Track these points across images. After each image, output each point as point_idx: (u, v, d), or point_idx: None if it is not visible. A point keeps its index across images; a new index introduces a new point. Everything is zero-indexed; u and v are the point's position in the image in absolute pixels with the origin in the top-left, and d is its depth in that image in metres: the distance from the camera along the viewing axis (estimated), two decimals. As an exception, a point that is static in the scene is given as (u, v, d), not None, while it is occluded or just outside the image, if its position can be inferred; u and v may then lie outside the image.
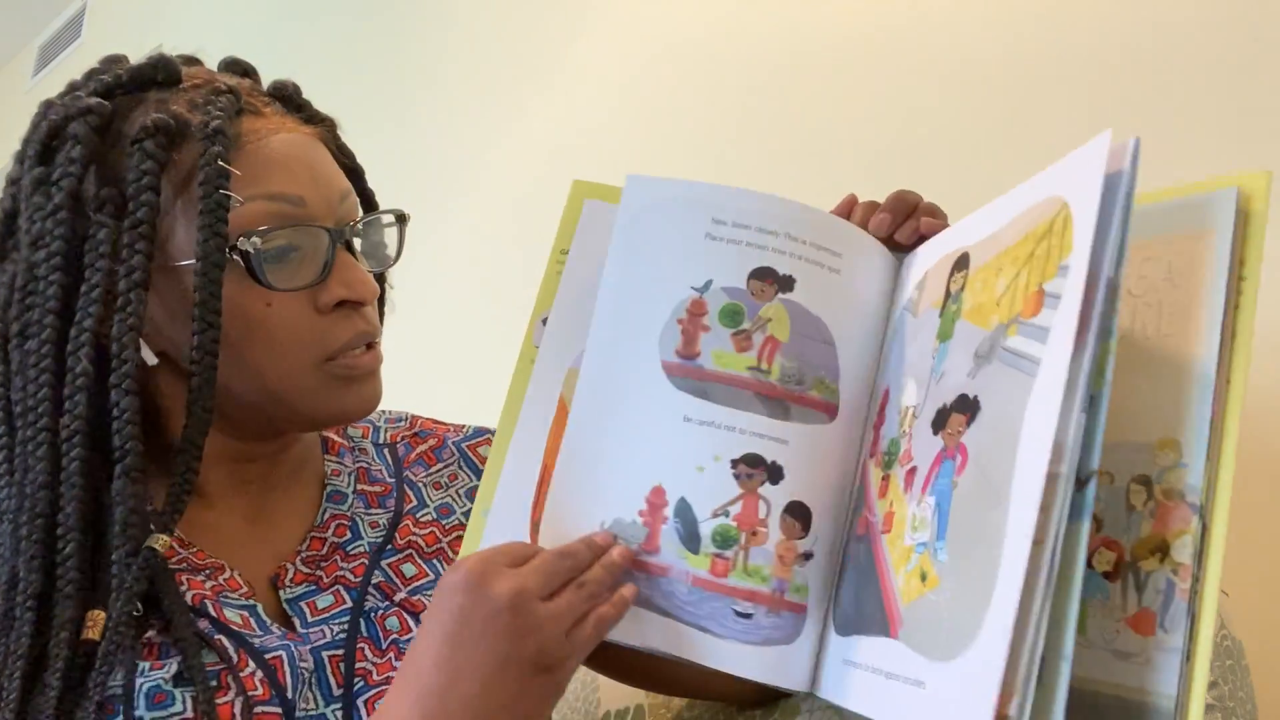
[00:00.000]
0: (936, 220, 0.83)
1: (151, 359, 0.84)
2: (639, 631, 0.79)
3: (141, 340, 0.82)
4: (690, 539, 0.79)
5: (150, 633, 0.80)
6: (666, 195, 0.84)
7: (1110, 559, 0.65)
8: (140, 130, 0.82)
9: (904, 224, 0.84)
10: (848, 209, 0.87)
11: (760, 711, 0.98)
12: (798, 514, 0.78)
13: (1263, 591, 0.96)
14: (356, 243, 0.90)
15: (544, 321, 0.86)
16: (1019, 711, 0.57)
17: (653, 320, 0.82)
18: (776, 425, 0.79)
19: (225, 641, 0.81)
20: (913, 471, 0.72)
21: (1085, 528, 0.59)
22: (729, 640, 0.77)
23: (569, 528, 0.80)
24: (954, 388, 0.69)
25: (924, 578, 0.68)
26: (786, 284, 0.81)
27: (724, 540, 0.78)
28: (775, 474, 0.79)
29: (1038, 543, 0.59)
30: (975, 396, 0.67)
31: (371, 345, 0.89)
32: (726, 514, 0.79)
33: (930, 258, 0.79)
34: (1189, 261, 0.63)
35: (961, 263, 0.73)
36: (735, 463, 0.79)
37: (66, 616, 0.77)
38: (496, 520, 0.83)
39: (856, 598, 0.76)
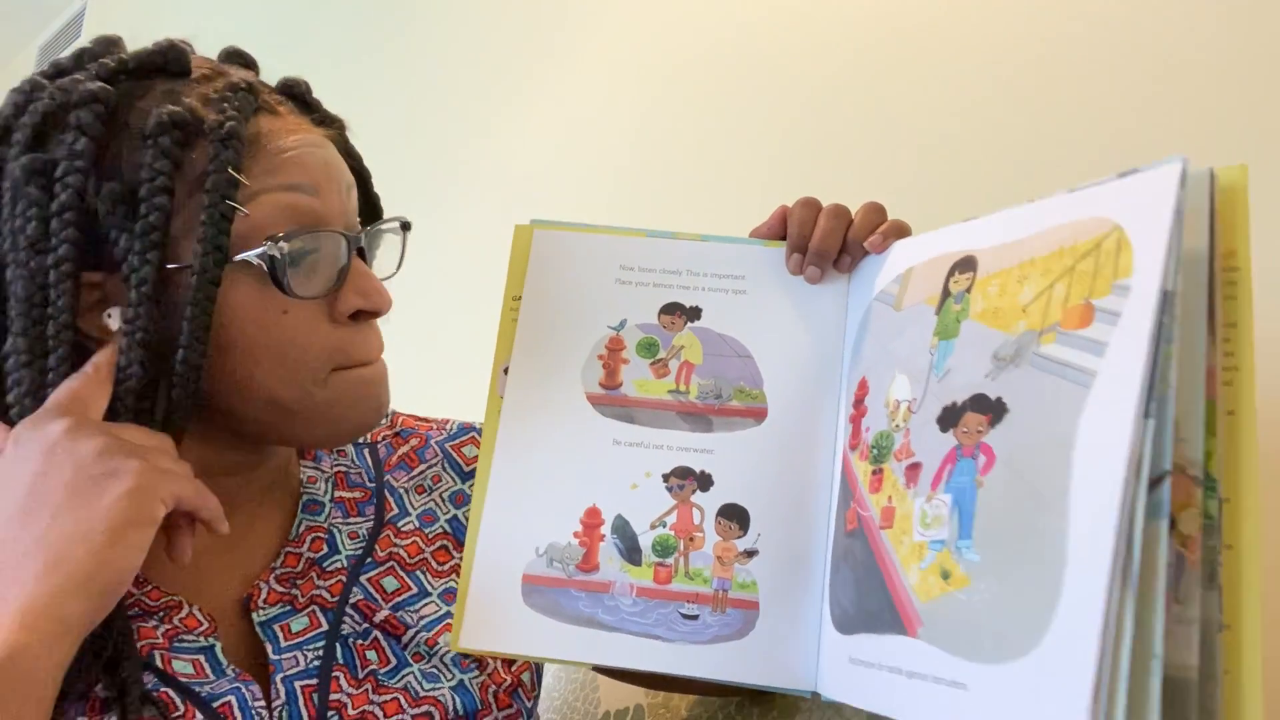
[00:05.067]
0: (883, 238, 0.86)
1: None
2: (592, 650, 0.82)
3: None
4: (631, 552, 0.84)
5: (97, 686, 0.73)
6: (575, 247, 0.92)
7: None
8: (155, 125, 0.76)
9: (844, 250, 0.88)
10: (780, 219, 0.91)
11: (758, 710, 0.98)
12: (733, 515, 0.84)
13: (1262, 591, 1.00)
14: (369, 249, 0.87)
15: (505, 371, 0.89)
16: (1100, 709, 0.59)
17: (573, 357, 0.89)
18: (700, 438, 0.86)
19: (171, 694, 0.74)
20: (915, 468, 0.74)
21: (1165, 526, 0.61)
22: (679, 643, 0.81)
23: (502, 557, 0.85)
24: (966, 386, 0.72)
25: (946, 576, 0.70)
26: (694, 314, 0.90)
27: (664, 549, 0.83)
28: (705, 482, 0.85)
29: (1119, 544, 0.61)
30: (999, 398, 0.70)
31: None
32: (664, 524, 0.84)
33: (916, 255, 0.82)
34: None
35: (966, 264, 0.77)
36: (666, 476, 0.85)
37: None
38: (481, 573, 0.85)
39: (858, 595, 0.78)
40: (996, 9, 1.32)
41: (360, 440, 0.96)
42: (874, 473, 0.79)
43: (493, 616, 0.83)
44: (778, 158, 1.56)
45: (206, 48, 0.91)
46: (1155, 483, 0.61)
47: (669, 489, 0.85)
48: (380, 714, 0.79)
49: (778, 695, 0.98)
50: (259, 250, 0.77)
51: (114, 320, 0.76)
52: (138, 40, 0.85)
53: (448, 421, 1.01)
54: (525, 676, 0.88)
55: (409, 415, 1.01)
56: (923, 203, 0.88)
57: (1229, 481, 0.62)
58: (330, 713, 0.78)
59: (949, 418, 0.72)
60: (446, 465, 0.97)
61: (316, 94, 0.91)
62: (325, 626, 0.82)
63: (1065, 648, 0.60)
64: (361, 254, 0.86)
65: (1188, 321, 0.63)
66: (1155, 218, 0.63)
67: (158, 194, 0.75)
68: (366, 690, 0.80)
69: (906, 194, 1.28)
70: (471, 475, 0.97)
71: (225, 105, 0.78)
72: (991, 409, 0.69)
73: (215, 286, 0.76)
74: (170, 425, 0.76)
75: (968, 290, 0.76)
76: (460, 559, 0.91)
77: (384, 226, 0.89)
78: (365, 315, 0.84)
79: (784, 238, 0.91)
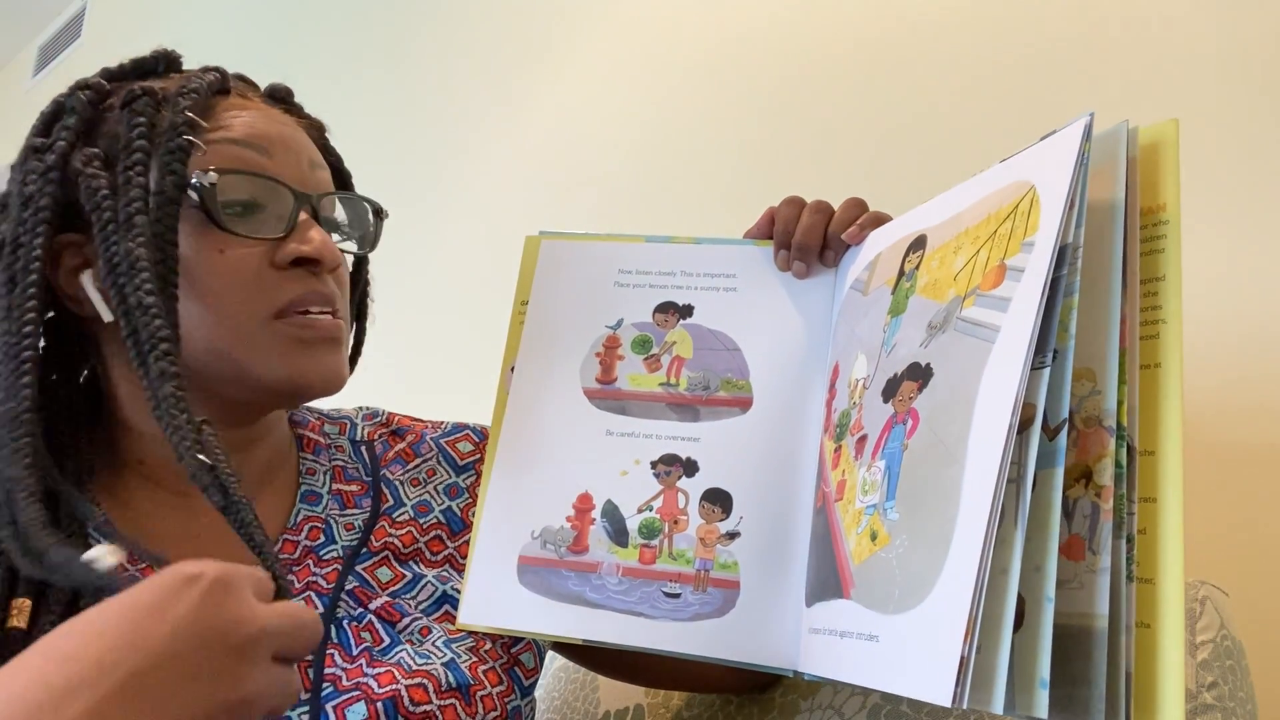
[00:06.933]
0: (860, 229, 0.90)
1: (107, 315, 0.80)
2: (579, 626, 0.87)
3: (99, 295, 0.82)
4: (619, 535, 0.89)
5: None
6: (578, 254, 0.99)
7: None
8: (128, 94, 0.84)
9: (828, 245, 0.92)
10: (769, 219, 0.96)
11: (758, 709, 1.00)
12: (716, 499, 0.88)
13: (1263, 591, 0.98)
14: (325, 213, 0.89)
15: (512, 369, 0.96)
16: (970, 651, 0.59)
17: (573, 356, 0.95)
18: (687, 427, 0.91)
19: None
20: (863, 440, 0.77)
21: (1059, 474, 0.62)
22: (661, 620, 0.85)
23: (502, 540, 0.91)
24: (905, 357, 0.74)
25: (874, 537, 0.71)
26: (686, 311, 0.95)
27: (649, 532, 0.88)
28: (690, 468, 0.90)
29: (1009, 485, 0.61)
30: (928, 364, 0.71)
31: (334, 314, 0.87)
32: (650, 508, 0.89)
33: (884, 241, 0.86)
34: (1095, 198, 0.66)
35: (918, 244, 0.80)
36: (654, 463, 0.90)
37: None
38: (482, 556, 0.91)
39: (817, 567, 0.80)
40: (993, 14, 1.34)
41: (357, 438, 1.00)
42: (835, 450, 0.82)
43: (491, 595, 0.89)
44: (776, 159, 1.59)
45: (203, 49, 0.99)
46: (1055, 432, 0.63)
47: (656, 475, 0.90)
48: (375, 684, 0.81)
49: (777, 695, 1.00)
50: (189, 180, 0.81)
51: (87, 280, 0.82)
52: (138, 41, 0.93)
53: (442, 422, 1.06)
54: (525, 657, 0.91)
55: (404, 415, 1.06)
56: (914, 199, 0.92)
57: (1149, 434, 0.63)
58: (325, 684, 0.81)
59: (890, 389, 0.75)
60: (441, 459, 1.02)
61: (316, 98, 0.98)
62: (321, 610, 0.85)
63: (950, 594, 0.62)
64: (316, 214, 0.87)
65: (1098, 273, 0.64)
66: (1059, 173, 0.65)
67: (136, 140, 0.82)
68: (360, 664, 0.83)
69: (900, 192, 1.30)
70: (465, 469, 1.01)
71: (192, 79, 0.87)
72: (921, 375, 0.71)
73: (176, 206, 0.80)
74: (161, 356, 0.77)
75: (917, 268, 0.78)
76: (453, 548, 0.96)
77: (358, 206, 0.93)
78: (306, 263, 0.84)
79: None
